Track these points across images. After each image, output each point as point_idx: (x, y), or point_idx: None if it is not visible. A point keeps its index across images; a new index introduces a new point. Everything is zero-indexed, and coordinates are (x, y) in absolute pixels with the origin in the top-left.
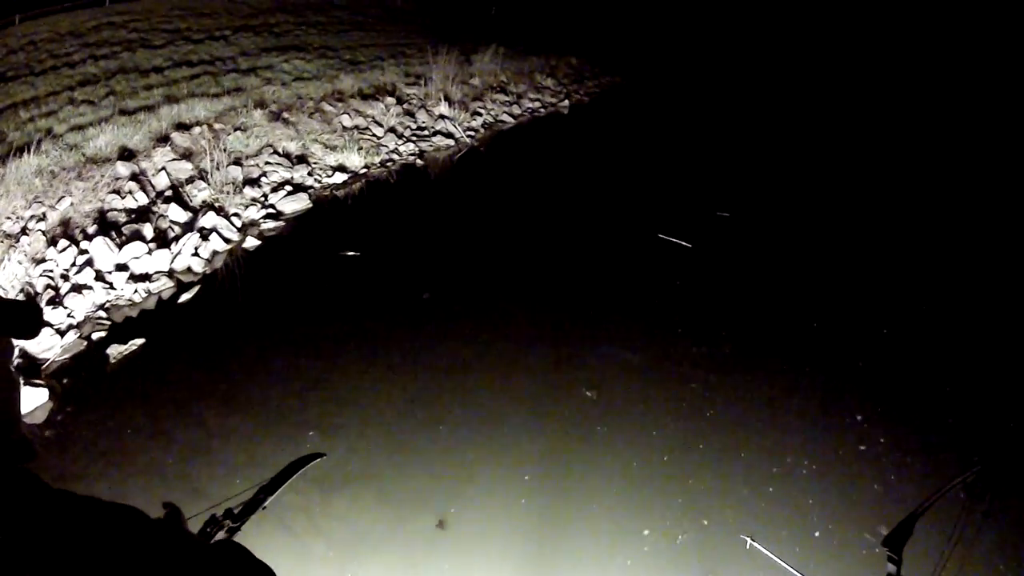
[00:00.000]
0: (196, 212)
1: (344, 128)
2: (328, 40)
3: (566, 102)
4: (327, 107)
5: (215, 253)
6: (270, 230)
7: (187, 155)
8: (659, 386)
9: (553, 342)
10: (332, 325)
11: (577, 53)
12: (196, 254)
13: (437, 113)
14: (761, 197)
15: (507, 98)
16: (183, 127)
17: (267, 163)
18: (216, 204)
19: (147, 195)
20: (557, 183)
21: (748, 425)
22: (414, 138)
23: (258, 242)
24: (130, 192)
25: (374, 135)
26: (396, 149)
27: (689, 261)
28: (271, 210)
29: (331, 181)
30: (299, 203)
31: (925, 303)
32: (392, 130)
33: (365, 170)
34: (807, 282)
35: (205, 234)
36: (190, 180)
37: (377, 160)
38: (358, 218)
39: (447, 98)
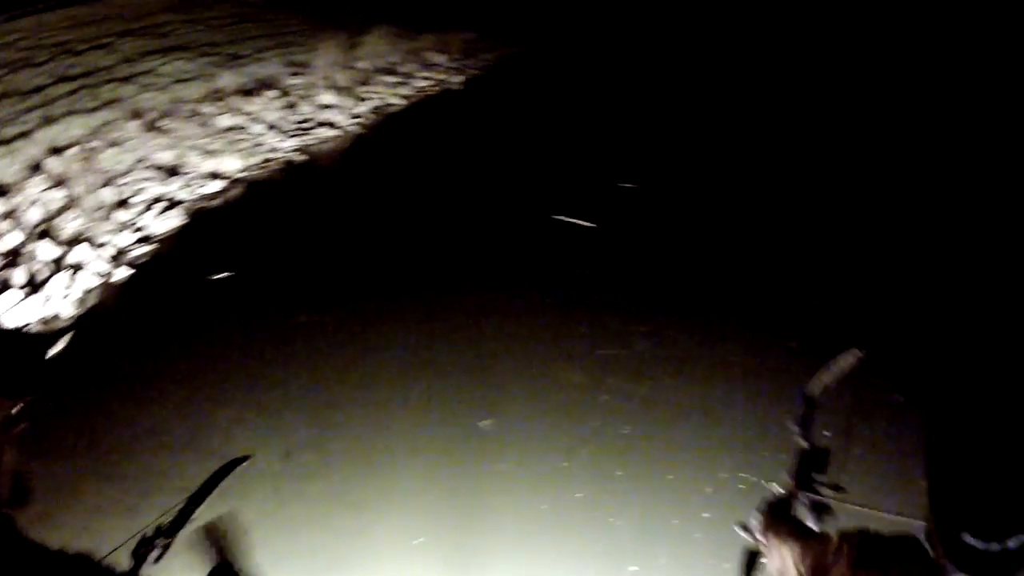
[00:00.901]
0: (68, 246)
1: (222, 130)
2: (213, 36)
3: (459, 78)
4: (206, 108)
5: (87, 292)
6: (142, 256)
7: (61, 181)
8: (564, 403)
9: (437, 364)
10: (198, 369)
11: (473, 27)
12: (67, 296)
13: (321, 103)
14: (669, 167)
15: (396, 79)
16: (57, 151)
17: (141, 179)
18: (86, 235)
19: (22, 233)
20: (445, 166)
21: (672, 439)
22: (296, 132)
23: (130, 271)
24: (2, 234)
25: (253, 134)
26: (276, 147)
27: (593, 245)
28: (142, 233)
29: (206, 190)
30: (172, 221)
31: (846, 277)
32: (272, 126)
33: (243, 174)
34: (724, 262)
35: (76, 272)
36: (61, 210)
37: (255, 161)
38: (232, 231)
39: (331, 86)
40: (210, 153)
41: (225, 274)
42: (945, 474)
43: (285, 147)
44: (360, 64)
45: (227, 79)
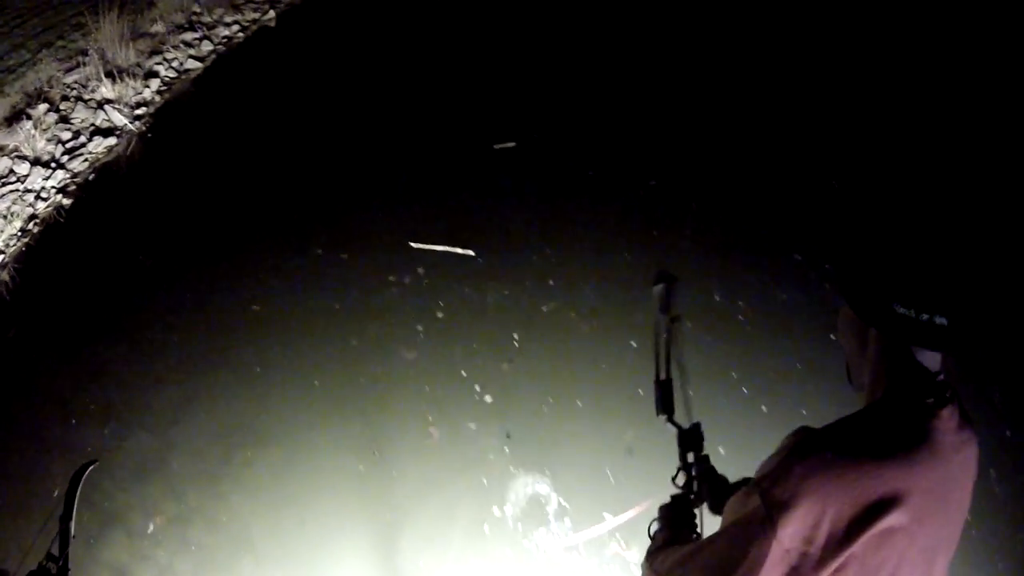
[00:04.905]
0: None
1: None
2: None
3: (272, 12)
4: None
5: None
6: None
7: None
8: None
9: None
10: None
11: None
12: None
13: (99, 99)
14: None
15: (196, 35)
16: None
17: None
18: None
19: None
20: (255, 150)
21: None
22: (67, 156)
23: None
24: None
25: (19, 179)
26: (42, 192)
27: None
28: None
29: None
30: None
31: None
32: (38, 161)
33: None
34: None
35: None
36: None
37: (17, 228)
38: None
39: (112, 72)
40: None
41: None
42: (870, 248)
43: (52, 186)
44: (154, 28)
45: None
